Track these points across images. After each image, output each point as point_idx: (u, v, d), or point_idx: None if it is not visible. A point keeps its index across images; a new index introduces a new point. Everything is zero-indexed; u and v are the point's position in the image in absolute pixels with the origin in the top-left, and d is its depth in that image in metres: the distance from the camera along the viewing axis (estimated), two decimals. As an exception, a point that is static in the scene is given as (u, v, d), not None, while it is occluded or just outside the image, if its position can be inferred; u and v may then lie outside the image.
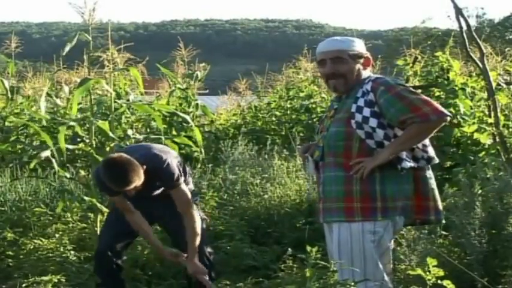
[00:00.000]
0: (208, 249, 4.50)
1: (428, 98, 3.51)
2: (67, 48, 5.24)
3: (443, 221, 3.78)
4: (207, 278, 4.32)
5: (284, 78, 12.00)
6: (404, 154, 3.45)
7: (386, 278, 3.49)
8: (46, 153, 5.16)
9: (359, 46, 3.64)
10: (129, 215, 4.34)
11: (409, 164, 3.45)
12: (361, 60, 3.61)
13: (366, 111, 3.45)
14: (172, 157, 4.30)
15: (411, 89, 3.53)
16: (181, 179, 4.24)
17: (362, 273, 3.41)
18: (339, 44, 3.66)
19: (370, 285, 3.44)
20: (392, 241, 3.60)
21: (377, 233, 3.46)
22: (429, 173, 3.58)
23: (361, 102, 3.48)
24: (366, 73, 3.63)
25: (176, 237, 4.46)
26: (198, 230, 4.28)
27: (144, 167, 4.08)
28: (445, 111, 3.46)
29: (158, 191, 4.37)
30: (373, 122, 3.43)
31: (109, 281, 4.45)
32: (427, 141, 3.55)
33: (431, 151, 3.55)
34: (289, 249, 3.51)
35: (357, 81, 3.58)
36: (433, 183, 3.58)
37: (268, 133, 9.88)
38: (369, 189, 3.45)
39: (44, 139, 5.35)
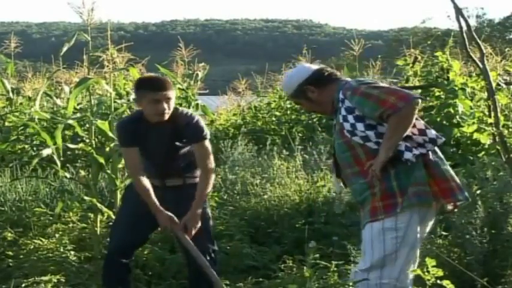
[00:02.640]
0: (213, 247, 4.42)
1: (393, 88, 3.56)
2: (65, 49, 5.25)
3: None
4: (190, 236, 4.18)
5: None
6: (403, 145, 3.45)
7: (402, 276, 3.46)
8: (47, 151, 5.16)
9: (294, 80, 3.75)
10: (137, 175, 4.23)
11: (411, 153, 3.44)
12: (307, 88, 3.69)
13: (351, 118, 3.53)
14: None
15: (374, 83, 3.57)
16: (208, 134, 4.30)
17: (379, 270, 3.43)
18: (284, 91, 3.96)
19: (384, 282, 3.45)
20: (421, 238, 3.57)
21: (399, 230, 3.45)
22: (436, 156, 3.55)
23: (343, 111, 3.56)
24: (335, 85, 3.67)
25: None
26: (211, 184, 4.31)
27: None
28: (412, 95, 3.46)
29: (181, 149, 4.29)
30: (360, 126, 3.50)
31: (118, 281, 4.34)
32: (421, 125, 3.54)
33: (430, 133, 3.54)
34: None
35: (326, 99, 3.69)
36: (444, 163, 3.56)
37: (268, 133, 9.90)
38: (387, 186, 3.47)
39: (43, 139, 5.34)
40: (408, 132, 3.47)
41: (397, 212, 3.43)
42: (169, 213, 4.21)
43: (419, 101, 3.49)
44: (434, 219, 3.67)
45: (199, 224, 4.21)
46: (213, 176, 4.33)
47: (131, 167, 4.34)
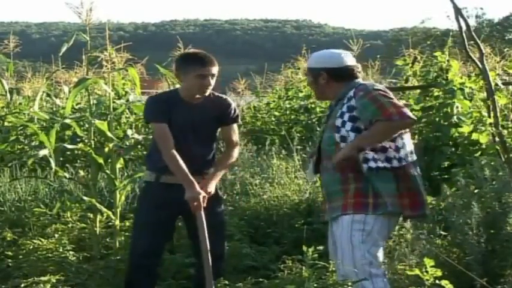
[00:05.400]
0: (223, 254, 4.33)
1: (399, 103, 3.66)
2: (63, 49, 5.25)
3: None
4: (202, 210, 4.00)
5: (283, 78, 12.03)
6: (371, 155, 3.59)
7: (374, 263, 3.59)
8: (44, 152, 5.15)
9: (319, 60, 3.86)
10: (168, 146, 4.02)
11: (376, 164, 3.59)
12: (321, 74, 3.79)
13: (346, 116, 3.66)
14: None
15: (387, 93, 3.67)
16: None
17: (351, 261, 3.57)
18: (308, 61, 4.07)
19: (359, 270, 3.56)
20: (384, 238, 3.75)
21: (367, 224, 3.60)
22: (415, 170, 3.72)
23: (344, 108, 3.69)
24: (347, 83, 3.77)
25: (196, 236, 4.15)
26: (233, 162, 4.40)
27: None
28: (411, 115, 3.61)
29: (212, 135, 4.28)
30: (348, 126, 3.63)
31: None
32: (400, 143, 3.67)
33: (404, 153, 3.66)
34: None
35: (331, 91, 3.81)
36: (420, 178, 3.75)
37: (267, 133, 9.90)
38: (362, 186, 3.64)
39: (41, 139, 5.33)
40: (386, 144, 3.61)
41: (368, 213, 3.60)
42: (202, 191, 4.00)
43: (413, 122, 3.67)
44: (393, 229, 3.91)
45: (211, 191, 4.05)
46: (236, 155, 4.35)
47: (163, 139, 4.07)
